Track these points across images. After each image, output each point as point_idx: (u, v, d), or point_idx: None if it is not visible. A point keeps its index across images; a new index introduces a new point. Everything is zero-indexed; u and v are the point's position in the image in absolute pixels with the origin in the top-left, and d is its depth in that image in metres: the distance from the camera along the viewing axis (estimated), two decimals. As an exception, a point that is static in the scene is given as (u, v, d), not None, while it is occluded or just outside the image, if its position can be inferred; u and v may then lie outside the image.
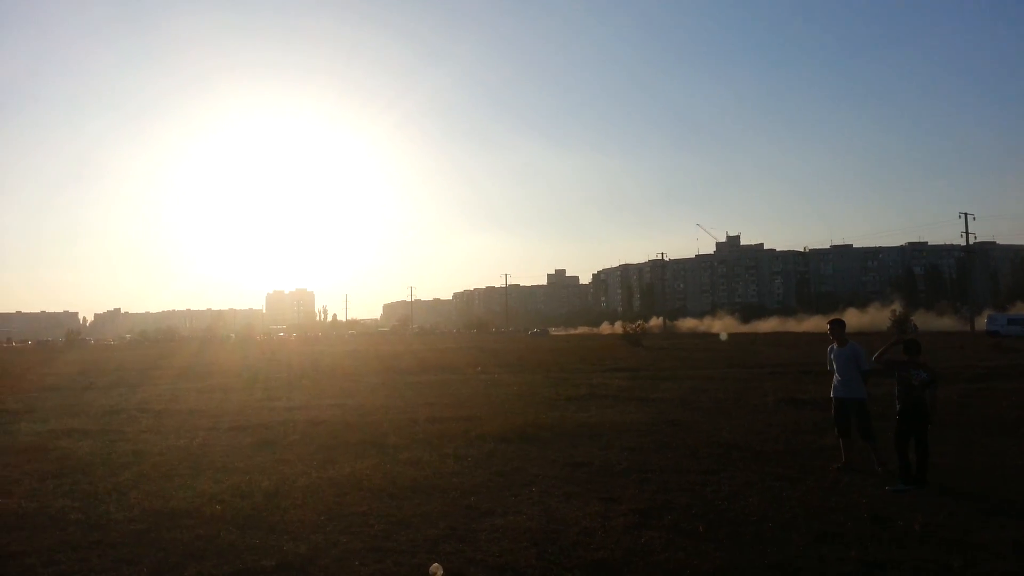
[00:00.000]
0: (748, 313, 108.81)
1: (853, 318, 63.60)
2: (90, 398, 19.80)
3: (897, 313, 70.08)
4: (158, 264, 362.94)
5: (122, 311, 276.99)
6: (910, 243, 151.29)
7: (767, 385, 18.89)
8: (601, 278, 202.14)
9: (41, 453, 10.77)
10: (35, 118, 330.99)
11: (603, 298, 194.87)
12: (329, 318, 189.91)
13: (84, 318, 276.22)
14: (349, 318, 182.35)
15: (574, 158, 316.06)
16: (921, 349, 8.29)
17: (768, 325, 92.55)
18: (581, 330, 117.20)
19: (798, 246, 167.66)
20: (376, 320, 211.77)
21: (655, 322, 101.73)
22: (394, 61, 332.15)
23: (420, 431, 11.89)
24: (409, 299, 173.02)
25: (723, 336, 64.20)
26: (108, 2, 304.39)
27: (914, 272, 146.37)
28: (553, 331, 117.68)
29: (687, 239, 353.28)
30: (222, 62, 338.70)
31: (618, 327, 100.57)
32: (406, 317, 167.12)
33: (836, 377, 8.85)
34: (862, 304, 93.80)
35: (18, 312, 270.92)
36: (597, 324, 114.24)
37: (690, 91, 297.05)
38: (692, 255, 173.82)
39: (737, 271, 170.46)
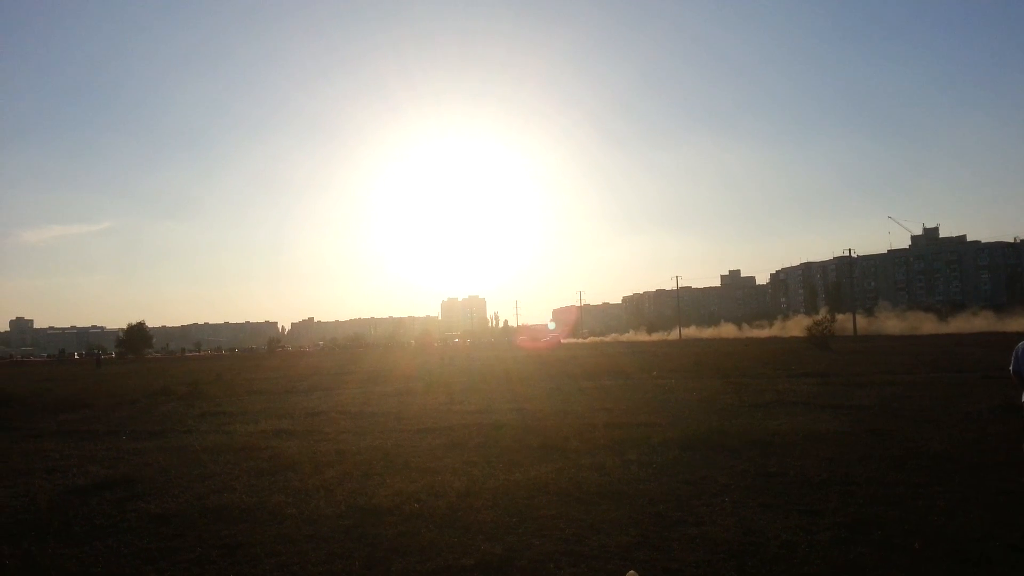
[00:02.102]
0: (949, 312, 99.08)
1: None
2: (293, 401, 21.54)
3: None
4: (346, 275, 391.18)
5: (315, 320, 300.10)
6: None
7: (978, 391, 17.05)
8: (780, 277, 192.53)
9: (255, 452, 11.83)
10: (238, 147, 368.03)
11: (783, 299, 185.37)
12: (500, 324, 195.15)
13: (282, 327, 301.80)
14: (520, 323, 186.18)
15: (748, 151, 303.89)
16: None
17: (976, 324, 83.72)
18: (713, 331, 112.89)
19: (1007, 237, 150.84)
20: (545, 325, 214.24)
21: (842, 322, 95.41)
22: (561, 67, 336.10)
23: (600, 436, 11.83)
24: (578, 303, 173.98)
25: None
26: (328, 48, 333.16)
27: None
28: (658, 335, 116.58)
29: (877, 233, 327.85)
30: (409, 91, 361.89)
31: (778, 328, 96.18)
32: (576, 321, 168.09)
33: None
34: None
35: (225, 323, 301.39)
36: (772, 325, 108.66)
37: (875, 72, 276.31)
38: (883, 250, 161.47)
39: (936, 266, 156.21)
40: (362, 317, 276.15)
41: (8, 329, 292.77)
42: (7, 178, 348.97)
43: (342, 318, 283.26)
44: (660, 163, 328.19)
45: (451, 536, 6.47)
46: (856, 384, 20.27)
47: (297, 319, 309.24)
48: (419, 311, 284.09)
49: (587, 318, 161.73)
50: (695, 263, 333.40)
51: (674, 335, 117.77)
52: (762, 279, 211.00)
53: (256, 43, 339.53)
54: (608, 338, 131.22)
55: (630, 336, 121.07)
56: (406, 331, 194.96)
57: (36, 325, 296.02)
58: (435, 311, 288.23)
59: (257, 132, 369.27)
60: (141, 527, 7.30)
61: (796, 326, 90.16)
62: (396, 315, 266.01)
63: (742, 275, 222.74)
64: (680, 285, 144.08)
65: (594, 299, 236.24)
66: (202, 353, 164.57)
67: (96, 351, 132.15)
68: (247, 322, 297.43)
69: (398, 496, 8.07)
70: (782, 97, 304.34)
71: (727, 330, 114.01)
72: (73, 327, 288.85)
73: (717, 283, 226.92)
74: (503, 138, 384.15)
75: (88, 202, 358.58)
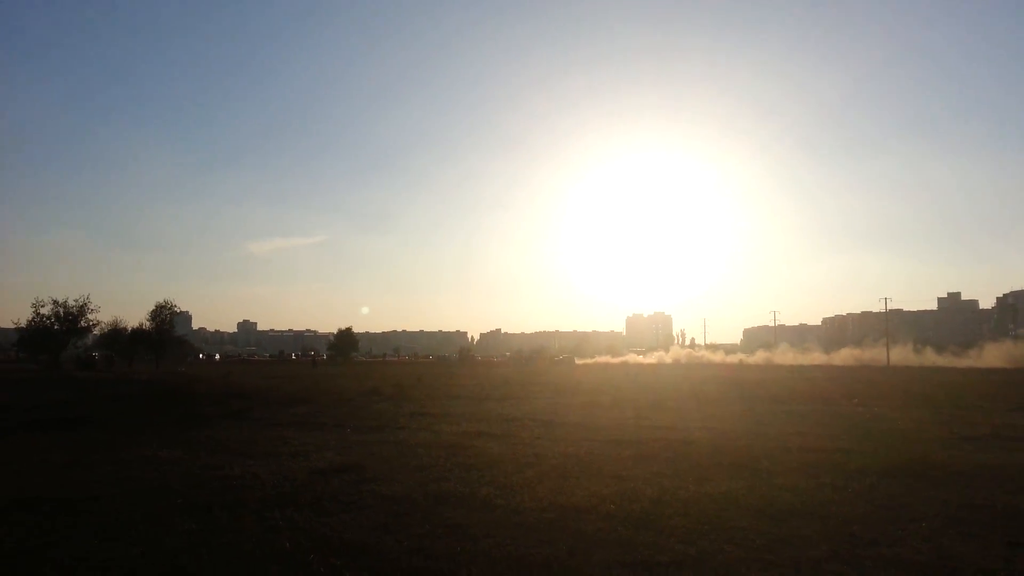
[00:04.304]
0: None
1: None
2: (488, 407, 22.96)
3: None
4: (533, 288, 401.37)
5: (502, 331, 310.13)
6: None
7: None
8: (1008, 301, 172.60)
9: (461, 450, 13.03)
10: (434, 166, 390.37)
11: (1011, 324, 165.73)
12: (687, 341, 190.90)
13: (472, 336, 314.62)
14: (708, 342, 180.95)
15: (967, 162, 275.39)
16: None
17: None
18: (926, 358, 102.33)
19: None
20: (736, 344, 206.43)
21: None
22: (760, 77, 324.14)
23: (793, 459, 11.80)
24: (772, 323, 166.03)
25: None
26: (520, 68, 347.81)
27: None
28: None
29: None
30: (599, 108, 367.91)
31: (996, 356, 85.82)
32: (770, 343, 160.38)
33: None
34: None
35: (421, 331, 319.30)
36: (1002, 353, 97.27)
37: None
38: None
39: None
40: (547, 330, 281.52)
41: (235, 331, 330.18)
42: (237, 195, 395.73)
43: (528, 330, 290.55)
44: (864, 175, 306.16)
45: (646, 536, 7.02)
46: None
47: (485, 329, 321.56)
48: (604, 326, 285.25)
49: (782, 339, 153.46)
50: (908, 285, 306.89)
51: (876, 359, 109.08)
52: (986, 303, 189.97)
53: (449, 68, 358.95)
54: (778, 357, 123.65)
55: (821, 359, 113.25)
56: (590, 345, 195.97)
57: (259, 327, 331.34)
58: (620, 326, 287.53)
59: (451, 152, 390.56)
60: (376, 505, 8.54)
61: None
62: (581, 329, 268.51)
63: (963, 298, 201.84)
64: (890, 307, 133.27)
65: (790, 319, 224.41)
66: (400, 359, 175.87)
67: (311, 353, 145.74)
68: (440, 331, 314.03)
69: (594, 498, 8.74)
70: (1004, 100, 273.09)
71: (942, 358, 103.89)
72: (291, 330, 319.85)
73: (934, 306, 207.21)
74: (696, 152, 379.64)
75: (305, 217, 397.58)
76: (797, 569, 5.97)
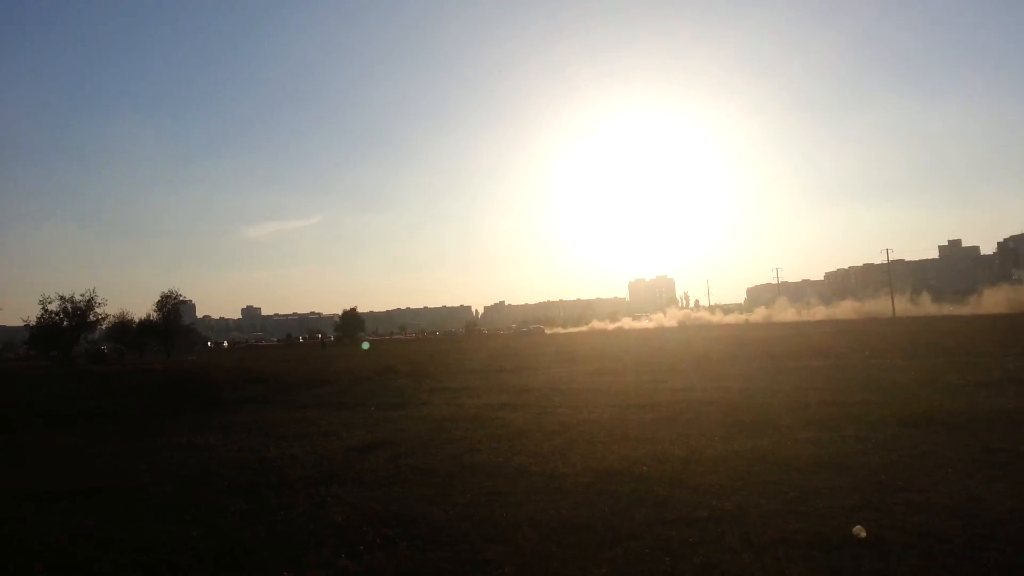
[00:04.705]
0: None
1: None
2: (504, 379, 23.27)
3: None
4: (535, 258, 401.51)
5: (506, 303, 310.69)
6: None
7: None
8: (1009, 246, 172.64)
9: (487, 422, 13.31)
10: (425, 139, 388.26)
11: (1013, 269, 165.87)
12: (691, 304, 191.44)
13: (476, 311, 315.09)
14: (711, 303, 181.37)
15: (963, 109, 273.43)
16: None
17: None
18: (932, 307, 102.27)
19: None
20: (740, 304, 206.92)
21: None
22: (752, 35, 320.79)
23: (813, 413, 12.07)
24: (775, 281, 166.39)
25: None
26: (510, 33, 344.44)
27: None
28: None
29: None
30: (593, 70, 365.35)
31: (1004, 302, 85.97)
32: (771, 300, 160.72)
33: None
34: None
35: (424, 307, 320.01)
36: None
37: None
38: None
39: None
40: (550, 300, 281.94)
41: (240, 317, 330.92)
42: (230, 180, 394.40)
43: (531, 301, 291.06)
44: (859, 127, 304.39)
45: (681, 494, 7.29)
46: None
47: (489, 303, 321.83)
48: (607, 292, 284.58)
49: (786, 296, 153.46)
50: (909, 234, 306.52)
51: (876, 311, 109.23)
52: (987, 248, 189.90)
53: (434, 38, 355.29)
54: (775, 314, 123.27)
55: (823, 314, 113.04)
56: (594, 312, 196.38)
57: (263, 312, 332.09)
58: (623, 292, 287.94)
59: (443, 123, 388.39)
60: (414, 478, 8.82)
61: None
62: (584, 297, 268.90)
63: (964, 245, 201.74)
64: (892, 258, 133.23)
65: (792, 276, 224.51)
66: (407, 336, 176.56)
67: (319, 335, 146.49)
68: (444, 306, 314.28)
69: (625, 461, 9.01)
70: (998, 45, 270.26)
71: (948, 306, 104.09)
72: (295, 313, 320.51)
73: (935, 255, 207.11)
74: (692, 113, 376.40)
75: (301, 199, 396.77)
76: (831, 517, 6.23)
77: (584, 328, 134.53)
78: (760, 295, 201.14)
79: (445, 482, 8.49)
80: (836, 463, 8.34)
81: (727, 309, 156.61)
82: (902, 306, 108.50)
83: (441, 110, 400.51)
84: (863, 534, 5.61)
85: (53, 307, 57.03)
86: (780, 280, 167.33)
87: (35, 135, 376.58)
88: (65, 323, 57.44)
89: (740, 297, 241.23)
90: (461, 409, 15.51)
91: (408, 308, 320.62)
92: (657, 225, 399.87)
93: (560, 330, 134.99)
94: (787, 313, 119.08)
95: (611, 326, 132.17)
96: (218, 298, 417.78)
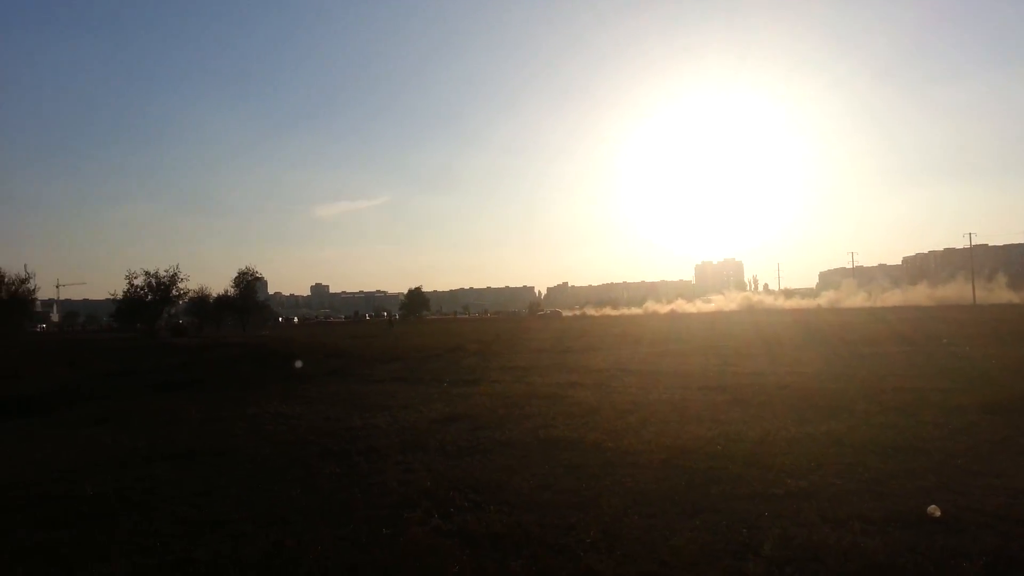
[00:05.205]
0: None
1: None
2: (573, 359, 23.57)
3: None
4: (599, 240, 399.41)
5: (569, 284, 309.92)
6: None
7: None
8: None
9: (559, 399, 13.66)
10: (490, 121, 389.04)
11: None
12: (760, 288, 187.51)
13: (539, 291, 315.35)
14: (782, 287, 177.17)
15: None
16: None
17: None
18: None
19: None
20: (811, 288, 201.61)
21: None
22: (834, 8, 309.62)
23: (889, 399, 12.00)
24: (850, 265, 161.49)
25: None
26: (580, 8, 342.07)
27: None
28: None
29: None
30: (665, 48, 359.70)
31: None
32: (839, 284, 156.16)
33: None
34: None
35: (488, 287, 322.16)
36: None
37: None
38: None
39: None
40: (614, 282, 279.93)
41: (309, 294, 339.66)
42: (301, 160, 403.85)
43: (595, 282, 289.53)
44: (944, 104, 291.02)
45: (756, 472, 7.49)
46: None
47: (552, 283, 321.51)
48: (672, 275, 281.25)
49: (861, 281, 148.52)
50: (989, 218, 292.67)
51: (953, 297, 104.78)
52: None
53: (502, 19, 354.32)
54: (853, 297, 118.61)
55: (897, 299, 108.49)
56: (658, 295, 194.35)
57: (331, 290, 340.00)
58: (689, 275, 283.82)
59: (510, 104, 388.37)
60: (494, 449, 9.23)
61: None
62: (648, 279, 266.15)
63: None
64: (974, 243, 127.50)
65: (868, 260, 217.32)
66: (470, 316, 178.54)
67: (384, 313, 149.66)
68: (507, 287, 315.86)
69: (699, 440, 9.23)
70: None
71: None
72: (361, 291, 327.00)
73: (1021, 239, 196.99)
74: (765, 89, 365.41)
75: (369, 179, 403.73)
76: (907, 498, 6.35)
77: (639, 311, 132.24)
78: (833, 279, 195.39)
79: (523, 454, 8.87)
80: (913, 447, 8.38)
81: (798, 293, 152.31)
82: (981, 293, 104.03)
83: (508, 90, 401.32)
84: (938, 513, 5.74)
85: (138, 282, 59.99)
86: (855, 264, 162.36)
87: (116, 120, 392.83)
88: (149, 297, 60.37)
89: (812, 281, 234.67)
90: (532, 387, 15.90)
91: (471, 288, 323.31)
92: (726, 206, 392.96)
93: (611, 311, 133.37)
94: (856, 298, 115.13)
95: (665, 308, 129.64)
96: (288, 275, 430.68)
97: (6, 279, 58.80)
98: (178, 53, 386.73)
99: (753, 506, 6.29)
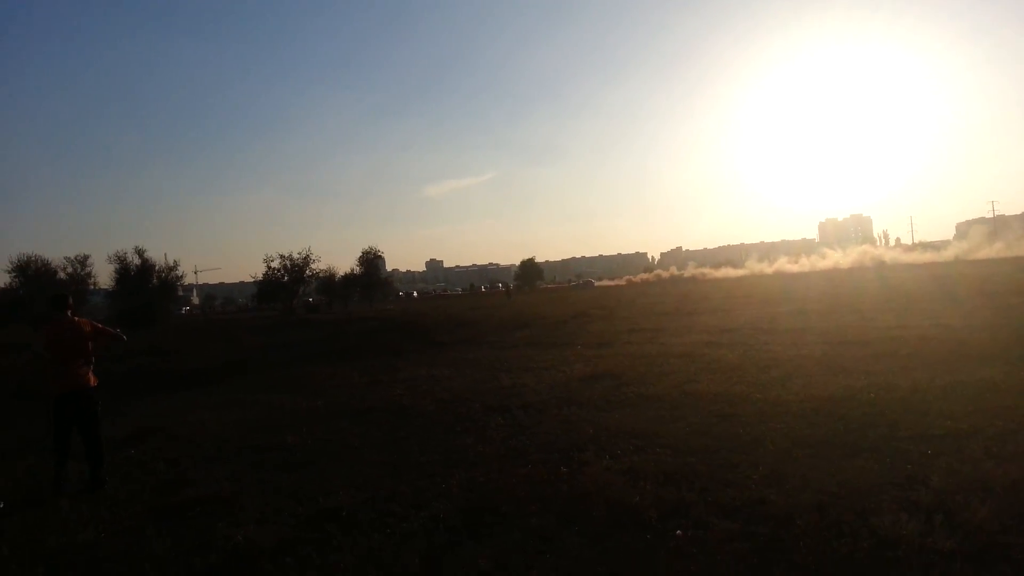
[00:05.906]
0: None
1: None
2: (701, 320, 23.59)
3: None
4: (715, 202, 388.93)
5: (683, 249, 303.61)
6: None
7: None
8: None
9: (695, 358, 13.94)
10: (594, 93, 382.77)
11: None
12: (891, 243, 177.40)
13: (652, 257, 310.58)
14: (915, 241, 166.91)
15: None
16: None
17: None
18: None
19: None
20: (947, 241, 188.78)
21: None
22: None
23: (1048, 347, 11.60)
24: (990, 214, 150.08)
25: None
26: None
27: None
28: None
29: None
30: (777, 5, 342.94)
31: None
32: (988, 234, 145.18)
33: None
34: None
35: (599, 255, 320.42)
36: None
37: None
38: None
39: None
40: (731, 244, 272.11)
41: (424, 269, 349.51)
42: (408, 142, 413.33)
43: (710, 245, 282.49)
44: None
45: (912, 418, 7.63)
46: None
47: (665, 249, 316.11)
48: (794, 234, 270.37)
49: (1003, 231, 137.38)
50: None
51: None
52: None
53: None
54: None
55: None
56: (779, 255, 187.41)
57: (445, 265, 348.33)
58: (812, 233, 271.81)
59: (614, 75, 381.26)
60: (641, 403, 9.73)
61: None
62: (768, 239, 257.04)
63: None
64: None
65: (1012, 208, 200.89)
66: (583, 283, 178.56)
67: (500, 284, 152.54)
68: (619, 253, 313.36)
69: (849, 390, 9.38)
70: None
71: None
72: (474, 265, 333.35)
73: None
74: (895, 39, 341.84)
75: (474, 157, 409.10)
76: (1078, 437, 6.39)
77: (742, 271, 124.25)
78: (971, 231, 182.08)
79: (673, 406, 9.32)
80: (1078, 392, 8.24)
81: (939, 247, 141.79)
82: None
83: (613, 58, 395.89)
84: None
85: (275, 264, 64.00)
86: (996, 213, 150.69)
87: (242, 113, 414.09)
88: (286, 278, 64.33)
89: (948, 234, 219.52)
90: (665, 347, 16.22)
91: (583, 256, 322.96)
92: (851, 160, 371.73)
93: (709, 271, 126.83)
94: (989, 248, 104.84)
95: (770, 268, 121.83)
96: (402, 253, 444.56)
97: (157, 267, 63.90)
98: (286, 45, 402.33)
99: (914, 446, 6.50)
